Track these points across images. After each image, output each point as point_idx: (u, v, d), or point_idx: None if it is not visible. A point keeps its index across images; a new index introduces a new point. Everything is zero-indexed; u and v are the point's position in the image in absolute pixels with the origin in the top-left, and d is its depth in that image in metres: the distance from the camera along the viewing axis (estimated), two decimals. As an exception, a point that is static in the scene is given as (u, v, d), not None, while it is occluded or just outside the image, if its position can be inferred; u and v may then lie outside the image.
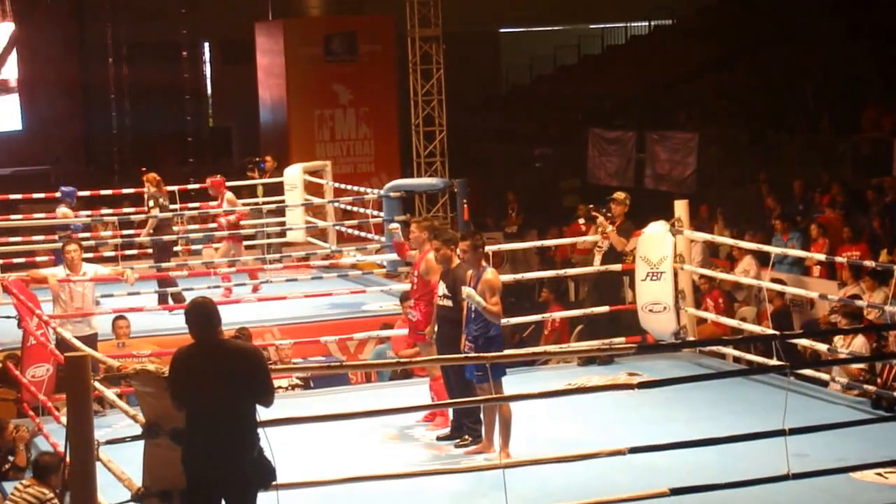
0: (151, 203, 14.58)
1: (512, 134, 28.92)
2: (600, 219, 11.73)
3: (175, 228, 15.14)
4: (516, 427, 9.01)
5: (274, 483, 6.59)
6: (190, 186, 17.08)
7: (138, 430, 6.86)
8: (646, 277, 11.59)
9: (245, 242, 16.58)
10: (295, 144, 22.32)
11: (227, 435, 6.40)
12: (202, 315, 6.54)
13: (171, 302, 13.65)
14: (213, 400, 6.41)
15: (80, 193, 16.19)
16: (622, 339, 11.54)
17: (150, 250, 15.43)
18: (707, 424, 9.23)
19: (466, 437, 9.34)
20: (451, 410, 9.51)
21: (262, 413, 6.54)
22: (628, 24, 33.30)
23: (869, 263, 12.69)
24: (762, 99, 23.29)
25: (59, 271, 11.60)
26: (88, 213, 16.31)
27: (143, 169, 28.73)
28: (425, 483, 8.11)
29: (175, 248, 15.49)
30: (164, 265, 14.41)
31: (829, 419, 8.56)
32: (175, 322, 11.89)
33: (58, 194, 15.71)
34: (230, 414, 6.40)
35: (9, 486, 8.70)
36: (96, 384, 6.88)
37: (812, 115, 21.36)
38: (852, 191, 17.99)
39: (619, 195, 11.98)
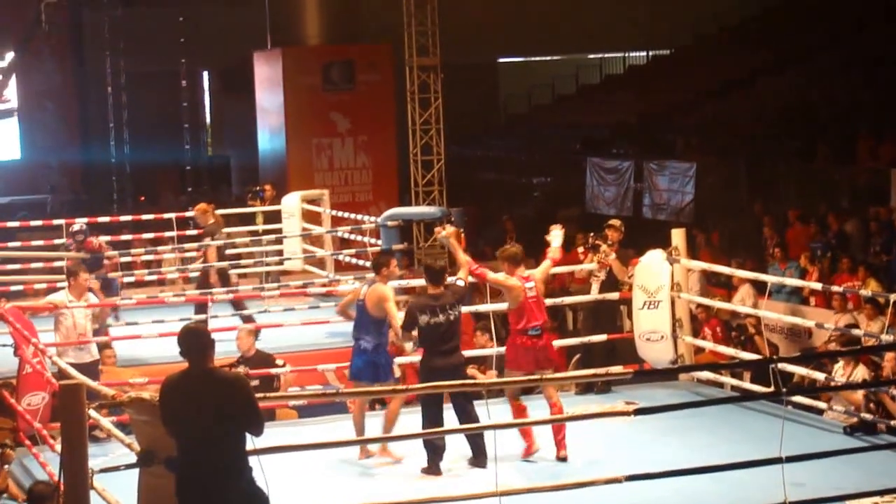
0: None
1: (510, 163, 28.96)
2: (603, 246, 11.74)
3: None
4: (514, 455, 8.97)
5: (268, 511, 6.57)
6: (188, 214, 17.07)
7: (134, 459, 6.83)
8: (643, 306, 11.57)
9: (242, 270, 16.69)
10: (293, 173, 22.29)
11: (216, 463, 6.36)
12: (194, 341, 6.52)
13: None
14: (199, 428, 6.37)
15: (79, 221, 16.17)
16: (619, 368, 11.51)
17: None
18: (704, 452, 9.21)
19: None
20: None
21: (258, 441, 6.51)
22: (626, 54, 33.45)
23: (865, 292, 12.69)
24: (760, 128, 23.34)
25: (63, 297, 11.57)
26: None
27: (142, 199, 28.99)
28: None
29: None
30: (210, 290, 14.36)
31: (826, 447, 8.52)
32: (163, 351, 11.92)
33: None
34: (217, 442, 6.36)
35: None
36: (91, 412, 6.84)
37: (809, 145, 21.40)
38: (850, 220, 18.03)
39: (616, 222, 12.05)
